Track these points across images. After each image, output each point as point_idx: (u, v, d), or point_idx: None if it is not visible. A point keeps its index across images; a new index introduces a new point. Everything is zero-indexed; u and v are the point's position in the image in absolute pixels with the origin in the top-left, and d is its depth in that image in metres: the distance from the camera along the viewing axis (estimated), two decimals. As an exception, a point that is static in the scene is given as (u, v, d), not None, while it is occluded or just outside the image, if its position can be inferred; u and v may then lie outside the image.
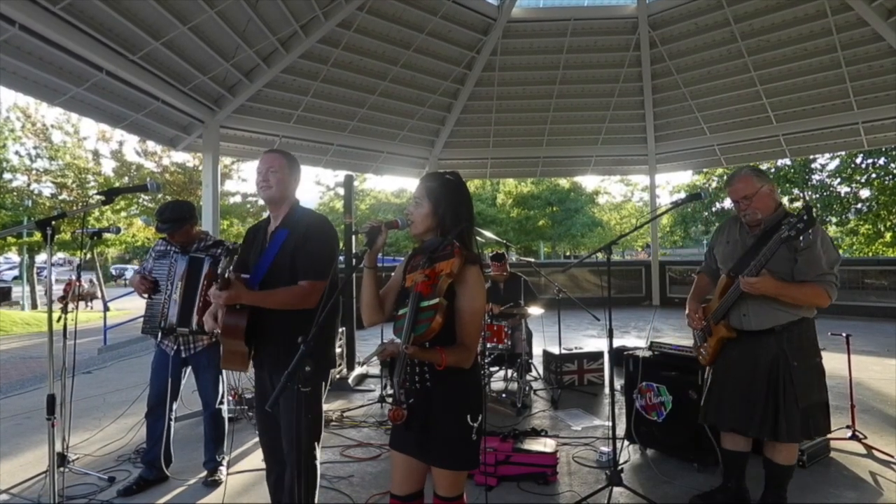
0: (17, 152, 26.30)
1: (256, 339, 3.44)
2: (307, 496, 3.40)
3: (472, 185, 38.67)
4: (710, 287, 4.35)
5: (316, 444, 3.49)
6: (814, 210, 3.53)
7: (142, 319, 5.01)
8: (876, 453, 5.36)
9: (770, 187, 3.95)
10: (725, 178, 31.65)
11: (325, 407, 7.18)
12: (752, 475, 4.37)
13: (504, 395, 7.43)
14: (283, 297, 3.35)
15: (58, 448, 4.08)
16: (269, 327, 3.41)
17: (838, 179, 28.22)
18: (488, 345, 7.20)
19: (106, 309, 15.65)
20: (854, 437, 5.59)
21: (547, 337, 8.86)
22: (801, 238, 3.44)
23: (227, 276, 3.26)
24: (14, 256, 39.26)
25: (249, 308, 3.32)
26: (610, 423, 4.66)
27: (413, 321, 2.57)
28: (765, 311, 3.85)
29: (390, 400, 7.21)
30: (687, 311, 4.34)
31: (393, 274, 3.08)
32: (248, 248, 3.69)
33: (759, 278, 3.60)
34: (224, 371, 4.96)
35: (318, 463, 3.52)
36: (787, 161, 26.96)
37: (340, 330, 8.55)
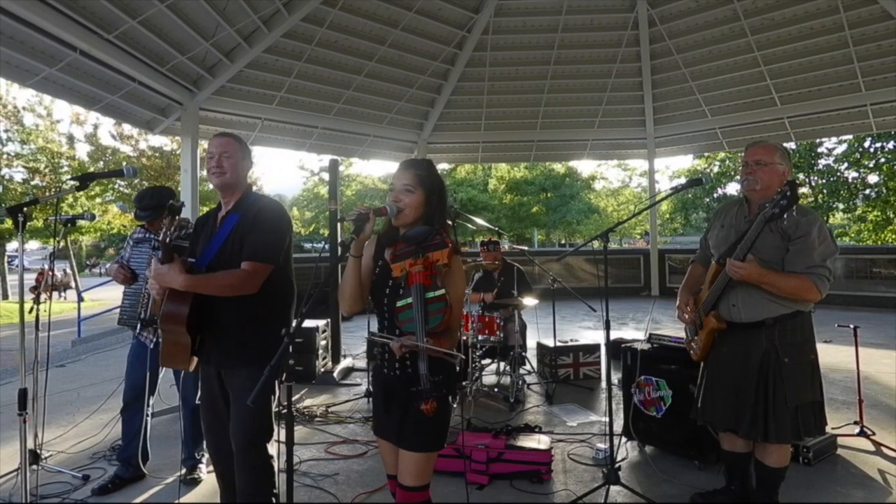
0: (-14, 136, 26.13)
1: (203, 330, 3.38)
2: (264, 495, 3.42)
3: (463, 170, 38.69)
4: (703, 277, 4.25)
5: (269, 439, 3.49)
6: (797, 187, 3.46)
7: (118, 310, 4.99)
8: (885, 450, 5.37)
9: (787, 170, 3.88)
10: (727, 161, 31.78)
11: (309, 402, 7.21)
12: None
13: (496, 390, 7.44)
14: (221, 280, 3.29)
15: (30, 445, 4.08)
16: (217, 318, 3.37)
17: (845, 164, 28.36)
18: (480, 337, 7.20)
19: (80, 299, 15.59)
20: (862, 434, 5.61)
21: (541, 329, 8.89)
22: (784, 216, 3.38)
23: (167, 241, 3.18)
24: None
25: (194, 294, 3.26)
26: (607, 419, 4.66)
27: (424, 314, 2.69)
28: (756, 301, 3.78)
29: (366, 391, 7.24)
30: (678, 303, 4.28)
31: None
32: (197, 237, 3.66)
33: (743, 263, 3.57)
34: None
35: (273, 462, 3.51)
36: (792, 145, 26.94)
37: (325, 321, 8.56)
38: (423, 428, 2.79)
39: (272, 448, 3.50)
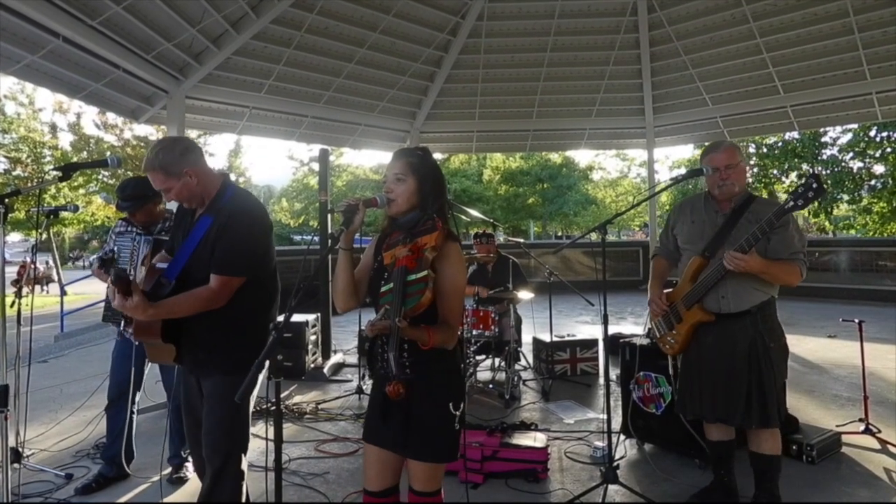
0: (-34, 125, 26.04)
1: (180, 333, 3.29)
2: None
3: (457, 161, 38.63)
4: (668, 271, 4.50)
5: (242, 453, 3.37)
6: (821, 179, 3.58)
7: (102, 305, 4.98)
8: (890, 448, 5.39)
9: (745, 165, 4.12)
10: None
11: (298, 399, 7.20)
12: (742, 471, 4.37)
13: (491, 386, 7.44)
14: (187, 303, 3.17)
15: (11, 443, 4.07)
16: (188, 324, 3.27)
17: (850, 154, 28.24)
18: (474, 332, 7.20)
19: (63, 293, 15.59)
20: (867, 431, 5.64)
21: (537, 323, 8.88)
22: (807, 208, 3.50)
23: (122, 275, 3.00)
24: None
25: None
26: (605, 416, 4.67)
27: (402, 295, 2.63)
28: (743, 291, 3.92)
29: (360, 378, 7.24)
30: (650, 298, 4.40)
31: (361, 257, 3.07)
32: (177, 229, 3.57)
33: (749, 255, 3.66)
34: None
35: (244, 469, 3.39)
36: (796, 134, 27.02)
37: (315, 316, 8.56)
38: (429, 438, 2.75)
39: (245, 465, 3.40)
